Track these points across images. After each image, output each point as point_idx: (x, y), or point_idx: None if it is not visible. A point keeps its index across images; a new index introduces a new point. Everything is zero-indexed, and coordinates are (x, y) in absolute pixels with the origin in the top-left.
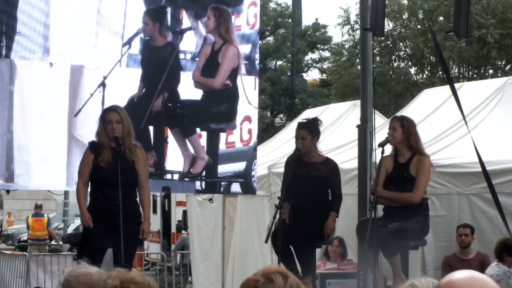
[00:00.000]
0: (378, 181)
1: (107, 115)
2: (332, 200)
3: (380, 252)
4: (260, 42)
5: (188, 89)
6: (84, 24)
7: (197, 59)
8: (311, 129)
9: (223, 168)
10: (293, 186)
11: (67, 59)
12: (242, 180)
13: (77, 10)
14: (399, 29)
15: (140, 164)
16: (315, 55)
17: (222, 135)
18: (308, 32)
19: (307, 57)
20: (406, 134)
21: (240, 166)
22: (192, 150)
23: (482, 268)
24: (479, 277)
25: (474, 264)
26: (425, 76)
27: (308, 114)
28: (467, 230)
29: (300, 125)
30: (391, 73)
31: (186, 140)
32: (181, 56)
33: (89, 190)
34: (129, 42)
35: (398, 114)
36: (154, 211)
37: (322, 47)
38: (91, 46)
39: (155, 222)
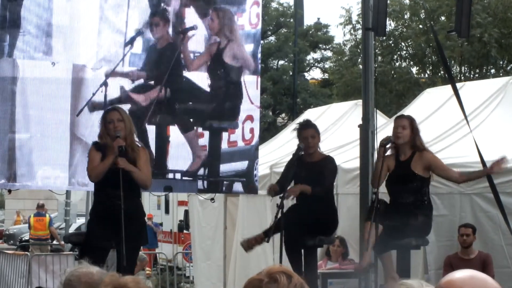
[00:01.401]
0: (380, 176)
1: (108, 115)
2: (318, 184)
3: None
4: (262, 41)
5: (190, 88)
6: (87, 24)
7: (201, 57)
8: (316, 128)
9: (225, 168)
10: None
11: (69, 58)
12: (244, 179)
13: (80, 9)
14: (400, 28)
15: (142, 163)
16: (317, 55)
17: (224, 134)
18: (310, 32)
19: (309, 57)
20: (413, 134)
21: (242, 165)
22: (194, 149)
23: (483, 267)
24: (479, 276)
25: (475, 264)
26: (427, 75)
27: (310, 113)
28: (469, 230)
29: (307, 125)
30: (392, 72)
31: (188, 139)
32: (185, 55)
33: (92, 190)
34: (131, 42)
35: (400, 113)
36: (167, 211)
37: (324, 46)
38: (93, 45)
39: (167, 222)
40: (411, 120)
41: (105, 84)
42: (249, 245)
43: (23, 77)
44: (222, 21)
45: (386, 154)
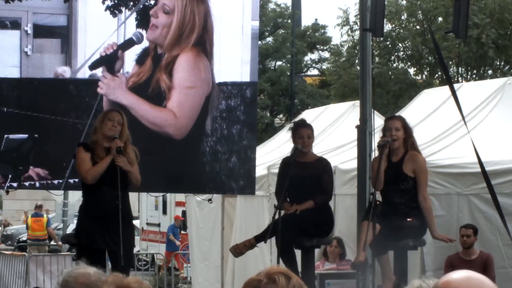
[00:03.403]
0: (378, 178)
1: (111, 113)
2: (319, 194)
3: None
4: (259, 42)
5: (186, 87)
6: (85, 24)
7: (193, 60)
8: (312, 128)
9: (223, 168)
10: (288, 186)
11: (68, 59)
12: (242, 180)
13: (78, 10)
14: (398, 29)
15: (134, 165)
16: (314, 56)
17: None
18: (308, 33)
19: (306, 58)
20: (406, 134)
21: (239, 166)
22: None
23: (484, 268)
24: (476, 277)
25: (477, 264)
26: (424, 76)
27: (307, 114)
28: (470, 231)
29: (304, 125)
30: (389, 73)
31: None
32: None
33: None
34: (130, 43)
35: (397, 114)
36: (164, 212)
37: (322, 47)
38: (92, 46)
39: (164, 223)
40: (403, 121)
41: (103, 84)
42: (237, 250)
43: (22, 77)
44: (218, 21)
45: (375, 157)
